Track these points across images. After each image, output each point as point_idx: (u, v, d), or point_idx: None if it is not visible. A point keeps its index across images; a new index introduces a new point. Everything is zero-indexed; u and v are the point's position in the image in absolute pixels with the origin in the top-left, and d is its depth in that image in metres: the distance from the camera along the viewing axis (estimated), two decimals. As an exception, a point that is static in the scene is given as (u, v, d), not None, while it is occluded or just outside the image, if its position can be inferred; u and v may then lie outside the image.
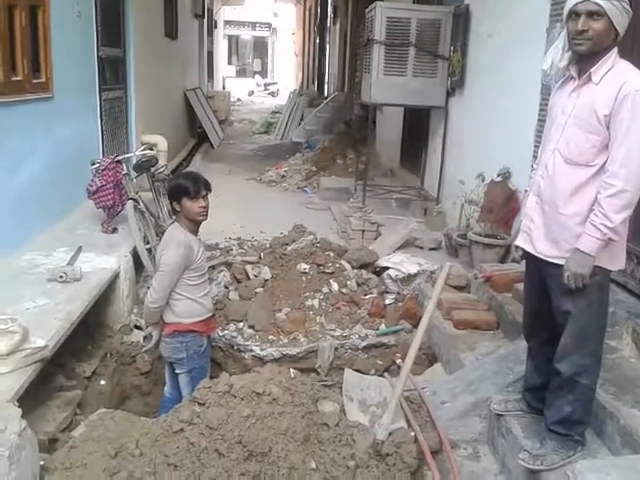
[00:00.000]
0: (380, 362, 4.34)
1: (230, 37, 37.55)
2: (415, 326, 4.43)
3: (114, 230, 5.31)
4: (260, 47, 40.38)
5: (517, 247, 2.65)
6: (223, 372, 2.94)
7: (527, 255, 2.57)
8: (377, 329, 4.43)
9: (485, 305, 4.04)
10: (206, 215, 3.52)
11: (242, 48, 41.02)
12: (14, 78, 4.34)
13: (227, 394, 2.71)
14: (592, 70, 2.29)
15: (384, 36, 6.48)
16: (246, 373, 2.96)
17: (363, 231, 6.22)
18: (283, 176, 9.98)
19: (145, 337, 3.80)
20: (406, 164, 8.59)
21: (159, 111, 9.65)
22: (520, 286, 3.82)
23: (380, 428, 2.88)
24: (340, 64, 15.84)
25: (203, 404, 2.70)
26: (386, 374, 3.70)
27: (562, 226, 2.37)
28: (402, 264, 4.75)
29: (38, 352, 2.85)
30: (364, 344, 4.31)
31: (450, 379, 3.44)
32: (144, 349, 3.69)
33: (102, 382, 4.16)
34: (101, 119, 6.58)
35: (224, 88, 26.04)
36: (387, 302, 4.63)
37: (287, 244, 4.84)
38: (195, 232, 3.58)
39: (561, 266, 2.34)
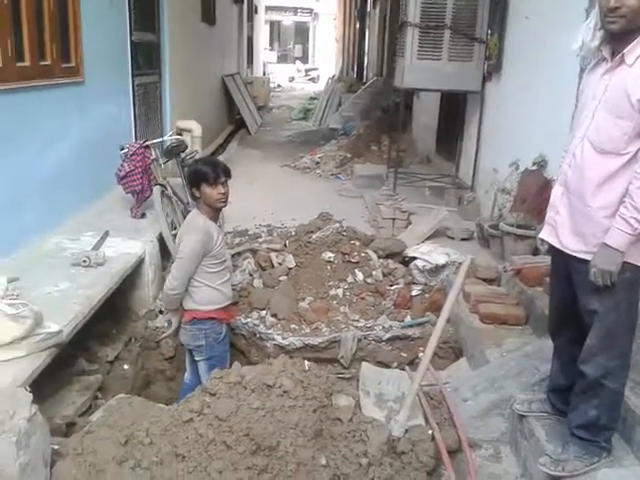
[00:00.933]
0: (404, 354, 4.24)
1: (272, 22, 37.48)
2: (442, 319, 4.31)
3: (142, 215, 5.33)
4: (301, 32, 40.18)
5: (542, 240, 2.49)
6: (235, 362, 2.89)
7: (553, 249, 2.42)
8: (402, 321, 4.32)
9: (514, 299, 3.88)
10: (225, 201, 3.47)
11: (283, 34, 40.91)
12: (43, 62, 4.36)
13: (238, 385, 2.65)
14: (625, 51, 2.11)
15: (418, 18, 6.29)
16: (258, 364, 2.89)
17: (393, 219, 6.08)
18: (317, 163, 9.89)
19: (164, 324, 3.78)
20: (442, 151, 8.38)
21: (195, 97, 9.65)
22: (551, 280, 3.66)
23: (396, 424, 2.79)
24: (379, 49, 15.57)
25: (214, 394, 2.66)
26: (407, 367, 3.60)
27: (589, 219, 2.21)
28: (430, 254, 4.61)
29: (52, 337, 2.85)
30: (388, 336, 4.21)
31: (473, 375, 3.31)
32: (163, 335, 3.68)
33: (125, 366, 4.19)
34: (134, 104, 6.61)
35: (264, 74, 26.02)
36: (413, 293, 4.51)
37: (312, 232, 4.77)
38: (215, 219, 3.54)
39: (588, 262, 2.19)
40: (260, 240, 5.80)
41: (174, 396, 4.30)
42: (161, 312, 4.53)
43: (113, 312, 4.49)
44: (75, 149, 5.02)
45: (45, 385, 3.30)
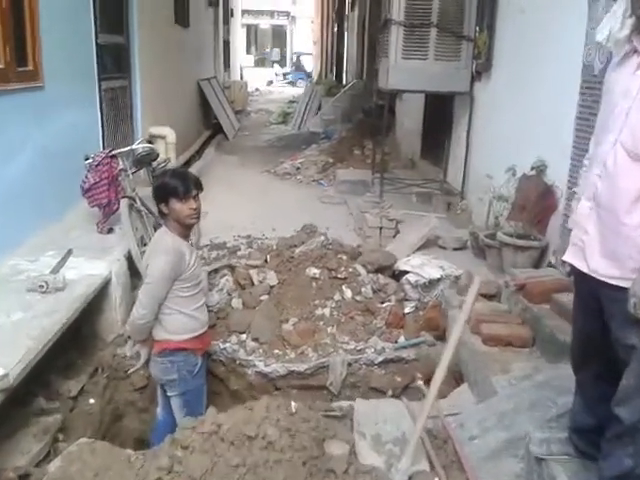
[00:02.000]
0: (399, 379, 3.89)
1: (249, 26, 37.07)
2: (438, 338, 3.98)
3: (110, 230, 4.92)
4: (279, 36, 39.88)
5: (564, 262, 2.15)
6: (210, 408, 2.51)
7: (577, 272, 2.08)
8: (395, 342, 3.97)
9: (518, 318, 3.55)
10: (198, 217, 3.10)
11: (261, 37, 40.56)
12: (-6, 66, 3.94)
13: (214, 436, 2.28)
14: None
15: (403, 16, 5.97)
16: (238, 408, 2.51)
17: (380, 228, 5.75)
18: (298, 168, 9.54)
19: (134, 355, 3.39)
20: (427, 155, 8.07)
21: (169, 102, 9.23)
22: (560, 297, 3.36)
23: (398, 473, 2.43)
24: (359, 51, 15.30)
25: (186, 448, 2.28)
26: (404, 398, 3.23)
27: (624, 239, 1.87)
28: (423, 268, 4.27)
29: (-4, 383, 2.44)
30: (381, 359, 3.86)
31: (480, 408, 2.97)
32: (131, 371, 3.28)
33: (91, 401, 3.78)
34: (101, 110, 6.18)
35: (242, 78, 25.61)
36: (406, 311, 4.16)
37: (295, 246, 4.40)
38: (186, 237, 3.15)
39: (624, 289, 1.85)
40: (239, 254, 5.43)
41: (147, 428, 3.91)
42: (130, 337, 4.13)
43: (78, 339, 4.08)
44: (34, 161, 4.59)
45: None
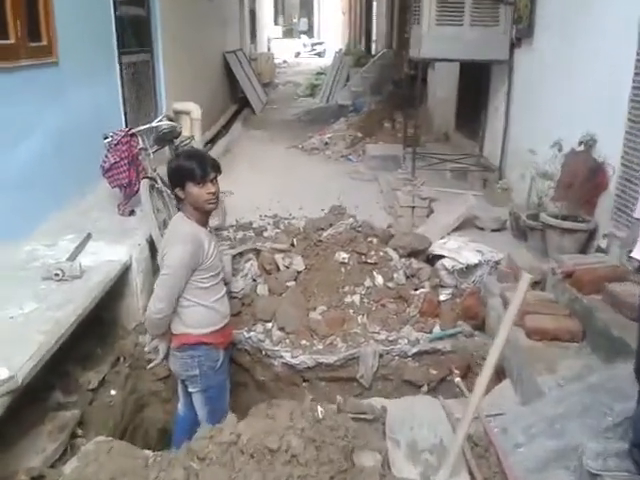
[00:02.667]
0: (434, 371, 3.65)
1: (276, -4, 36.31)
2: (476, 328, 3.72)
3: (131, 212, 4.74)
4: (307, 6, 38.98)
5: (630, 257, 1.86)
6: (230, 415, 2.30)
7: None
8: (430, 332, 3.72)
9: (565, 309, 3.25)
10: (216, 202, 2.86)
11: (288, 8, 39.74)
12: (3, 42, 3.73)
13: (233, 447, 2.07)
14: None
15: (437, -23, 5.56)
16: (259, 414, 2.30)
17: (413, 207, 5.46)
18: (326, 143, 9.24)
19: (150, 351, 3.21)
20: (462, 128, 7.67)
21: (193, 76, 8.98)
22: (614, 287, 3.05)
23: (435, 487, 2.21)
24: (388, 19, 14.74)
25: (202, 459, 2.09)
26: (440, 397, 2.99)
27: None
28: (460, 252, 3.98)
29: (1, 385, 2.28)
30: (414, 350, 3.62)
31: (525, 412, 2.71)
32: (150, 366, 3.10)
33: (112, 392, 3.64)
34: (122, 86, 5.97)
35: (269, 50, 25.16)
36: (442, 298, 3.90)
37: (323, 229, 4.14)
38: (204, 223, 2.93)
39: None
40: (265, 234, 5.21)
41: (171, 418, 3.75)
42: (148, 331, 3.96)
43: (98, 327, 3.94)
44: (50, 141, 4.42)
45: (9, 428, 2.76)
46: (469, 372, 3.65)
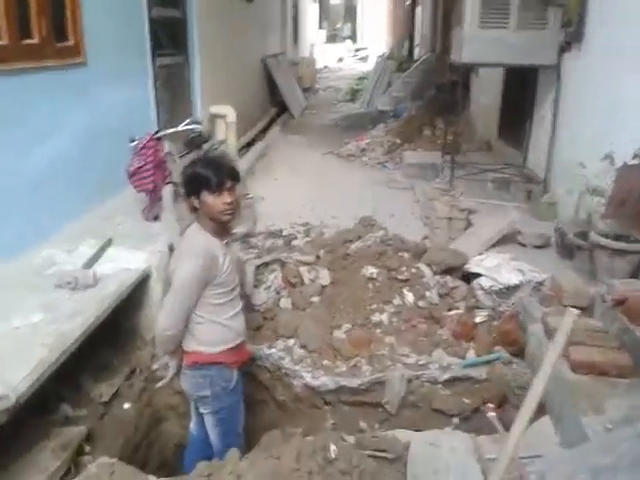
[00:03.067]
0: (467, 401, 3.37)
1: (320, 1, 36.25)
2: (515, 355, 3.41)
3: (156, 218, 4.60)
4: (350, 11, 38.82)
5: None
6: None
7: None
8: (463, 357, 3.44)
9: (615, 340, 2.93)
10: (233, 213, 2.66)
11: (333, 13, 39.67)
12: (27, 41, 3.64)
13: (233, 489, 1.86)
14: None
15: (482, -23, 5.27)
16: (263, 450, 2.08)
17: (450, 219, 5.16)
18: (363, 149, 9.01)
19: (158, 368, 3.04)
20: (505, 136, 7.31)
21: (231, 79, 8.88)
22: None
23: None
24: (432, 24, 14.42)
25: (199, 500, 1.88)
26: (472, 436, 2.71)
27: None
28: (499, 271, 3.68)
29: (-8, 406, 2.13)
30: (446, 377, 3.35)
31: (566, 457, 2.41)
32: (159, 385, 2.92)
33: (126, 405, 3.49)
34: (155, 89, 5.87)
35: (312, 54, 25.07)
36: (478, 320, 3.62)
37: (351, 241, 3.90)
38: (221, 235, 2.73)
39: None
40: (294, 243, 5.01)
41: (188, 434, 3.57)
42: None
43: (116, 336, 3.80)
44: (78, 142, 4.33)
45: (10, 444, 2.61)
46: (505, 403, 3.36)
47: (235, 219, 2.77)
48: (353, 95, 16.27)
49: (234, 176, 2.64)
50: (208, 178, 2.56)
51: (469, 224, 5.12)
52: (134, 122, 5.26)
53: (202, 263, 2.55)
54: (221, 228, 2.71)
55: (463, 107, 8.77)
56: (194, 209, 2.69)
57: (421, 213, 6.07)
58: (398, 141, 8.93)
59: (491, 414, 2.96)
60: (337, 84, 19.47)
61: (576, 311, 1.94)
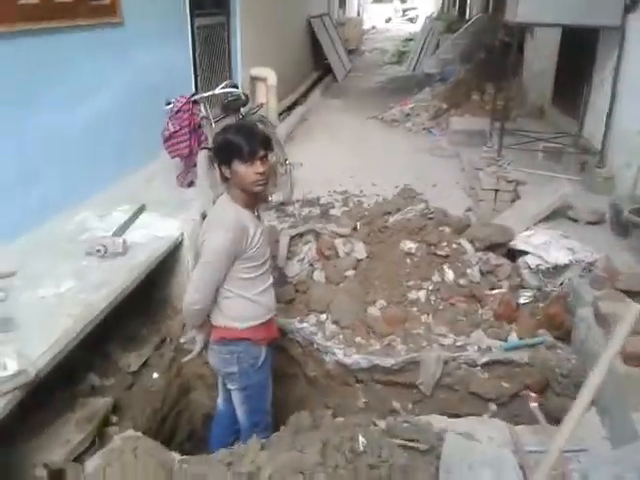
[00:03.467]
0: (506, 385, 3.21)
1: (369, -41, 35.09)
2: (560, 339, 3.20)
3: (190, 184, 4.51)
4: (400, -31, 37.44)
5: None
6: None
7: None
8: (505, 339, 3.26)
9: (675, 330, 2.69)
10: (265, 184, 2.51)
11: (381, -29, 38.36)
12: (60, 0, 3.52)
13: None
14: None
15: None
16: (286, 439, 1.98)
17: (496, 191, 4.90)
18: (408, 114, 8.70)
19: (187, 342, 2.96)
20: (560, 102, 6.89)
21: (273, 40, 8.65)
22: None
23: None
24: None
25: (217, 489, 1.80)
26: (510, 426, 2.55)
27: None
28: (547, 249, 3.45)
29: (7, 381, 2.07)
30: (485, 359, 3.18)
31: (613, 456, 2.24)
32: (186, 358, 2.85)
33: (154, 375, 3.46)
34: (194, 50, 5.72)
35: (359, 15, 24.39)
36: (522, 301, 3.41)
37: (390, 213, 3.71)
38: (252, 206, 2.60)
39: None
40: (331, 213, 4.85)
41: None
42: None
43: (147, 305, 3.76)
44: (117, 103, 4.27)
45: (34, 416, 2.59)
46: (547, 390, 3.18)
47: (267, 190, 2.63)
48: (399, 57, 15.78)
49: (267, 144, 2.49)
50: (240, 146, 2.42)
51: (517, 196, 4.85)
52: (172, 83, 5.14)
53: (231, 236, 2.43)
54: (252, 199, 2.58)
55: (514, 71, 8.30)
56: (225, 179, 2.56)
57: (465, 183, 5.81)
58: (444, 106, 8.58)
59: (533, 404, 2.78)
60: (383, 46, 18.92)
61: (638, 306, 1.74)
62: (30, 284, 2.83)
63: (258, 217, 2.65)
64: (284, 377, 3.63)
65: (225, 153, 2.49)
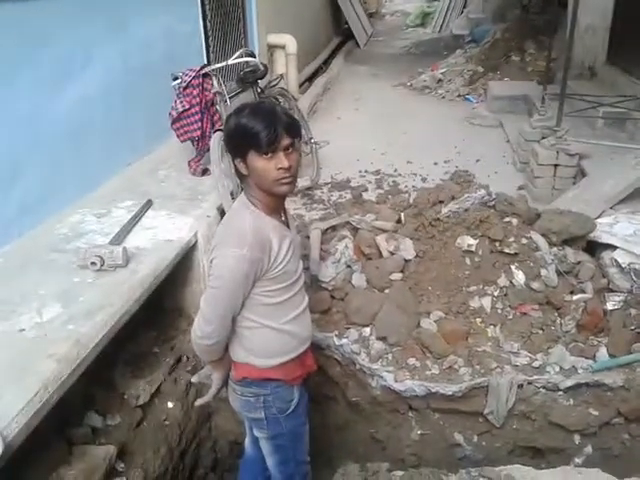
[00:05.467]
0: (594, 412, 2.61)
1: None
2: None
3: (204, 172, 3.93)
4: None
5: None
6: None
7: None
8: (593, 357, 2.64)
9: None
10: (291, 183, 1.90)
11: None
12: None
13: None
14: None
15: None
16: None
17: (555, 166, 4.25)
18: (439, 80, 7.98)
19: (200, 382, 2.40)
20: (617, 61, 6.10)
21: (291, 4, 7.93)
22: None
23: None
24: None
25: None
26: (599, 472, 1.95)
27: None
28: (639, 242, 2.80)
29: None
30: (570, 383, 2.57)
31: None
32: (198, 403, 2.30)
33: (169, 405, 2.92)
34: (204, 16, 5.08)
35: (377, -25, 23.25)
36: (610, 307, 2.78)
37: (441, 202, 3.07)
38: (277, 210, 2.00)
39: None
40: (365, 197, 4.24)
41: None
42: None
43: (158, 316, 3.22)
44: (113, 82, 3.68)
45: (22, 472, 2.07)
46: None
47: (294, 188, 2.01)
48: (423, 19, 14.87)
49: (294, 130, 1.86)
50: (256, 133, 1.80)
51: (580, 173, 4.19)
52: (180, 55, 4.53)
53: (248, 255, 1.83)
54: (277, 202, 1.97)
55: (556, 28, 7.47)
56: (241, 175, 1.96)
57: (514, 156, 5.14)
58: (480, 69, 7.84)
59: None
60: (405, 8, 17.98)
61: None
62: (5, 311, 2.29)
63: (286, 223, 2.05)
64: (321, 400, 3.08)
65: (238, 142, 1.87)
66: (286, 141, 1.83)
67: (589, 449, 2.65)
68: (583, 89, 5.97)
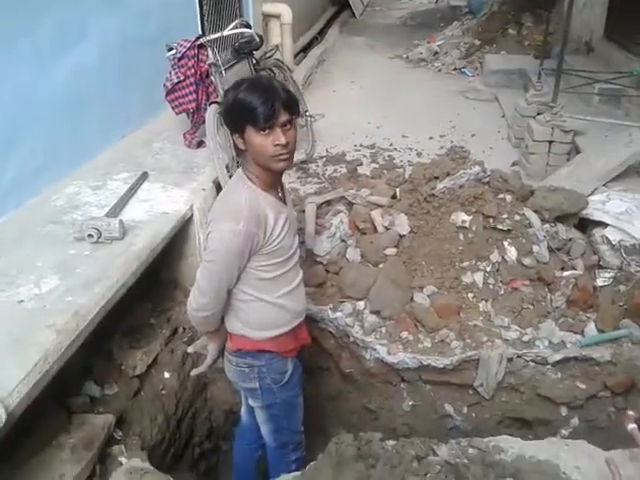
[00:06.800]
0: (582, 386, 2.68)
1: None
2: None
3: (200, 144, 3.92)
4: None
5: None
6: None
7: None
8: (581, 332, 2.71)
9: None
10: (288, 159, 1.92)
11: None
12: None
13: None
14: None
15: None
16: None
17: (550, 143, 4.27)
18: (436, 53, 7.91)
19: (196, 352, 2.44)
20: (615, 36, 6.07)
21: (286, -28, 7.76)
22: None
23: None
24: None
25: None
26: (604, 453, 2.01)
27: None
28: (631, 220, 2.84)
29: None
30: (558, 357, 2.63)
31: None
32: (194, 372, 2.35)
33: (166, 375, 2.97)
34: (198, -17, 5.00)
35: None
36: (600, 284, 2.83)
37: (437, 177, 3.09)
38: (274, 186, 2.02)
39: None
40: (360, 171, 4.27)
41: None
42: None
43: (154, 288, 3.25)
44: (108, 53, 3.62)
45: (21, 440, 2.12)
46: (632, 389, 2.66)
47: (292, 165, 2.03)
48: (421, -12, 14.62)
49: (291, 106, 1.87)
50: (253, 109, 1.80)
51: (574, 149, 4.21)
52: (176, 27, 4.45)
53: (244, 229, 1.85)
54: (274, 177, 1.99)
55: (554, 1, 7.40)
56: (239, 150, 1.97)
57: (509, 132, 5.14)
58: (477, 42, 7.77)
59: (632, 425, 2.25)
60: (402, -24, 17.65)
61: None
62: (3, 283, 2.31)
63: (283, 199, 2.07)
64: (315, 371, 3.14)
65: (236, 117, 1.88)
66: (284, 117, 1.84)
67: (575, 421, 2.72)
68: (579, 64, 5.94)
